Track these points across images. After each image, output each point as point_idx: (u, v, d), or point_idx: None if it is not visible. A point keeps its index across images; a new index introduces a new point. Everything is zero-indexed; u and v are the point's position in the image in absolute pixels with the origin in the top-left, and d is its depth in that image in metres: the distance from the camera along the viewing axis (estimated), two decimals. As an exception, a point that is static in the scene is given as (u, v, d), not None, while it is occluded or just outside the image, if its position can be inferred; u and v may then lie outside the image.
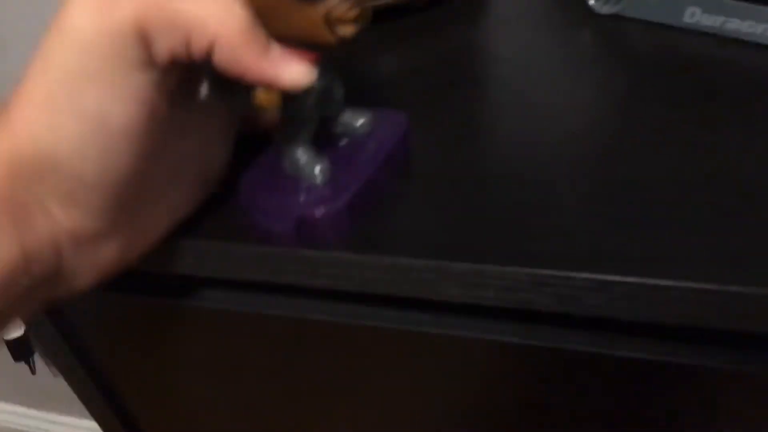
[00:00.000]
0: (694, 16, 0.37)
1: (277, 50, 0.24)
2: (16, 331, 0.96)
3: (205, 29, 0.22)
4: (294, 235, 0.27)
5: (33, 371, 1.04)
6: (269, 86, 0.25)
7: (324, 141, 0.29)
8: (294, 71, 0.24)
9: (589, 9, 0.41)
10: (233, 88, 0.27)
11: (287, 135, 0.28)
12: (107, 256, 0.26)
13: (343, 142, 0.30)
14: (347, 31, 0.25)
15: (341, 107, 0.30)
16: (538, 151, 0.31)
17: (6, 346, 0.99)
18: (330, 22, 0.24)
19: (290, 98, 0.26)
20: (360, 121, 0.30)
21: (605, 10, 0.40)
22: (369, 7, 0.25)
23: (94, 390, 0.39)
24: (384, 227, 0.28)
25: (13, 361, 1.01)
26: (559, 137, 0.32)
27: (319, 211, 0.27)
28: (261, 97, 0.25)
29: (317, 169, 0.28)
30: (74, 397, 0.41)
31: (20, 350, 1.00)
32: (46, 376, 1.11)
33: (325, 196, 0.27)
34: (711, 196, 0.27)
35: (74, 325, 0.37)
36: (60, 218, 0.24)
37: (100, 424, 0.43)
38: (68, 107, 0.22)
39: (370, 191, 0.28)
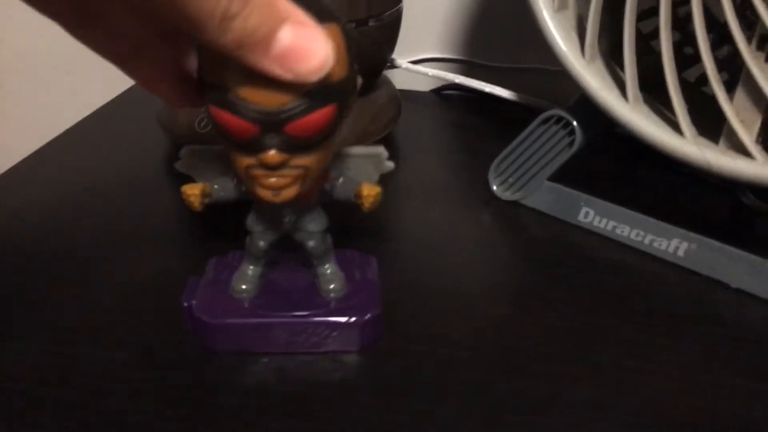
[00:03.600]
0: (588, 217, 0.38)
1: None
2: None
3: None
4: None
5: None
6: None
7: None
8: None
9: (492, 192, 0.42)
10: None
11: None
12: None
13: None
14: (266, 195, 0.24)
15: (319, 245, 0.29)
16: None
17: None
18: (249, 178, 0.24)
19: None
20: (332, 285, 0.29)
21: (506, 196, 0.42)
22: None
23: None
24: None
25: None
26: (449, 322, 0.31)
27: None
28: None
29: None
30: None
31: None
32: None
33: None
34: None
35: None
36: None
37: None
38: None
39: None
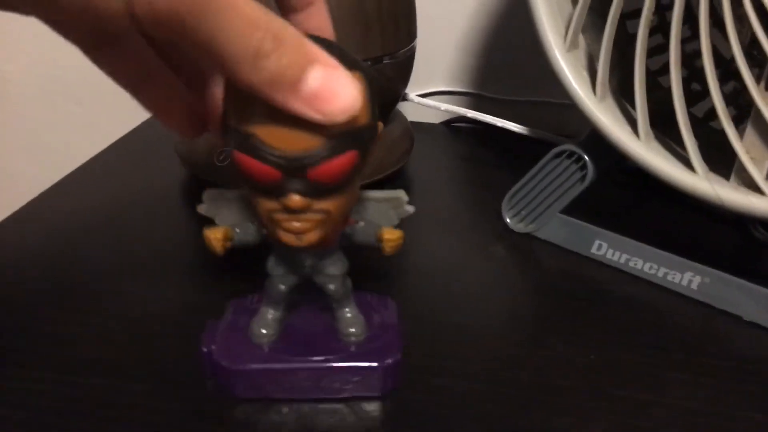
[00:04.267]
0: (601, 250, 0.39)
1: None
2: None
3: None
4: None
5: None
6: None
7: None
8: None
9: (505, 225, 0.42)
10: None
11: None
12: None
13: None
14: (289, 239, 0.24)
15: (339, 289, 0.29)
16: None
17: None
18: (271, 222, 0.24)
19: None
20: (352, 329, 0.29)
21: (519, 228, 0.42)
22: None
23: None
24: None
25: None
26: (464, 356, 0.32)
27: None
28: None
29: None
30: None
31: None
32: None
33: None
34: None
35: None
36: None
37: None
38: None
39: None
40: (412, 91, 0.60)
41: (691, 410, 0.29)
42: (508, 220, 0.42)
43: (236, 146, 0.22)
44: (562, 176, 0.40)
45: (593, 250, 0.39)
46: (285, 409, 0.28)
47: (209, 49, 0.18)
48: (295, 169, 0.22)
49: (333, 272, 0.28)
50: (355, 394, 0.29)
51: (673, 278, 0.36)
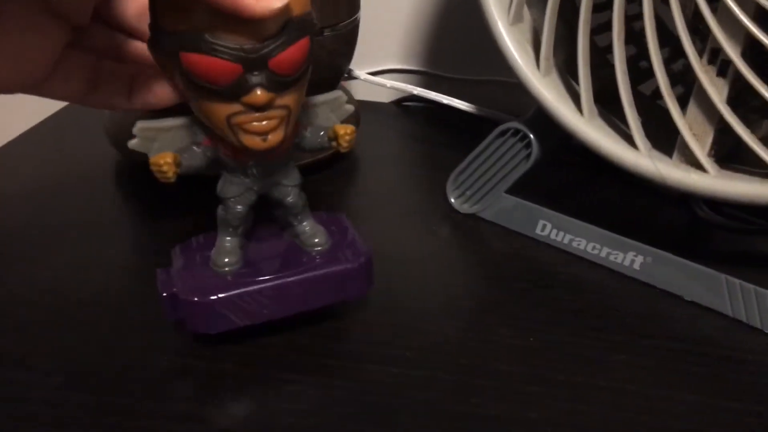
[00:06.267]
0: (545, 230, 0.38)
1: None
2: None
3: None
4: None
5: None
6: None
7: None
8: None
9: (450, 205, 0.41)
10: None
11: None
12: None
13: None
14: (254, 141, 0.24)
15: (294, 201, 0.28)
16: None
17: None
18: (231, 128, 0.24)
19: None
20: (316, 239, 0.29)
21: (464, 209, 0.41)
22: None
23: None
24: None
25: None
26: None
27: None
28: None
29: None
30: None
31: None
32: None
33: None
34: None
35: None
36: None
37: None
38: None
39: None
40: (362, 69, 0.59)
41: (630, 393, 0.28)
42: (452, 201, 0.41)
43: (188, 49, 0.21)
44: (507, 155, 0.39)
45: (538, 230, 0.38)
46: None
47: None
48: (255, 61, 0.22)
49: (289, 183, 0.28)
50: (335, 300, 0.29)
51: (616, 258, 0.35)
